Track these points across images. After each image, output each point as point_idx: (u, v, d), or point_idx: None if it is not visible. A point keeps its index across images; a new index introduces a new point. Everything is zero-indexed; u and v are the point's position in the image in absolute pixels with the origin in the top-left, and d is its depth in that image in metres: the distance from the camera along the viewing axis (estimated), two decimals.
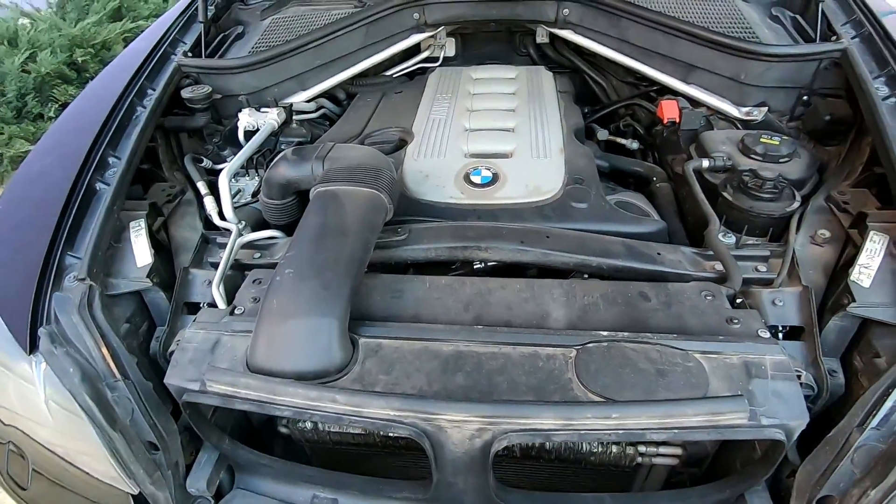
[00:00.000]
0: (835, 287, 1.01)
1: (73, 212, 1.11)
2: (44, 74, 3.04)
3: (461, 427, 0.79)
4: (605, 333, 0.90)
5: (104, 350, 0.94)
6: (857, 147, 1.26)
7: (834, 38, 1.38)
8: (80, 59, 3.19)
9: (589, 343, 0.88)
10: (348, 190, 1.06)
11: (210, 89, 1.51)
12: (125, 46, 3.41)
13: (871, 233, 1.00)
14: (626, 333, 0.90)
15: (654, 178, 1.47)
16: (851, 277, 0.96)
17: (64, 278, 1.03)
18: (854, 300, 0.93)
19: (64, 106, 3.12)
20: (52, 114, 3.04)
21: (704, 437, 0.79)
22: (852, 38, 1.36)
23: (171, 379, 0.89)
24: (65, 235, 1.07)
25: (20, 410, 1.00)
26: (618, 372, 0.83)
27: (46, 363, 0.92)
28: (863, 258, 0.97)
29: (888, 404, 0.79)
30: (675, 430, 0.77)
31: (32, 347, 0.95)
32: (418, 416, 0.80)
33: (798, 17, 1.55)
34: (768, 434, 0.77)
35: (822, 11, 1.43)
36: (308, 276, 0.91)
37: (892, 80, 1.21)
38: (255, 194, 1.43)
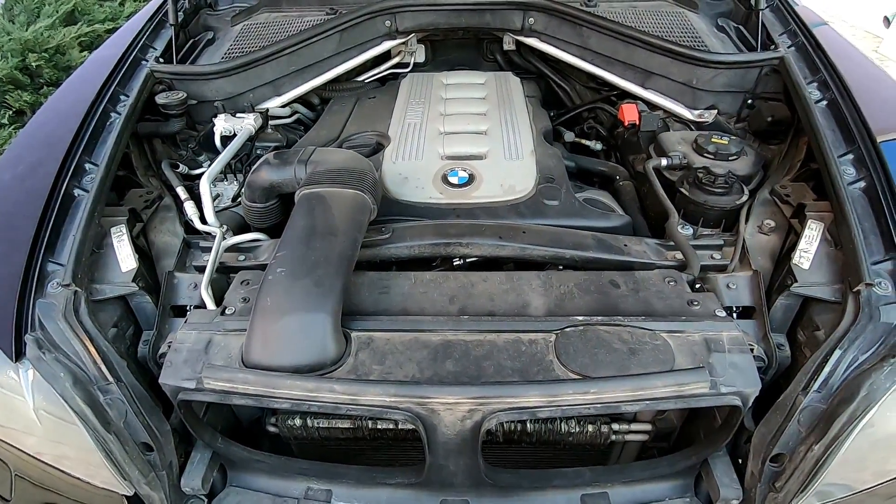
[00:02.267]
0: (780, 270, 1.12)
1: (53, 218, 1.10)
2: None
3: (454, 409, 0.85)
4: (580, 318, 0.98)
5: (94, 354, 0.95)
6: (795, 145, 1.39)
7: (773, 46, 1.52)
8: (33, 64, 3.07)
9: (567, 328, 0.95)
10: (334, 191, 1.10)
11: (185, 95, 1.51)
12: (81, 51, 3.31)
13: (809, 221, 1.12)
14: (599, 318, 0.98)
15: (618, 177, 1.57)
16: (793, 261, 1.07)
17: (46, 285, 1.02)
18: (796, 281, 1.05)
19: (18, 112, 3.00)
20: (5, 120, 2.91)
21: (672, 407, 0.88)
22: (788, 48, 1.50)
23: (167, 379, 0.91)
24: (45, 242, 1.06)
25: (1, 419, 0.99)
26: (594, 352, 0.91)
27: (35, 369, 0.92)
28: (802, 244, 1.09)
29: (826, 370, 0.90)
30: (647, 402, 0.85)
31: (18, 355, 0.94)
32: (413, 400, 0.85)
33: (741, 27, 1.70)
34: (727, 401, 0.87)
35: (763, 23, 1.57)
36: (300, 275, 0.94)
37: (824, 85, 1.35)
38: (234, 198, 1.45)
